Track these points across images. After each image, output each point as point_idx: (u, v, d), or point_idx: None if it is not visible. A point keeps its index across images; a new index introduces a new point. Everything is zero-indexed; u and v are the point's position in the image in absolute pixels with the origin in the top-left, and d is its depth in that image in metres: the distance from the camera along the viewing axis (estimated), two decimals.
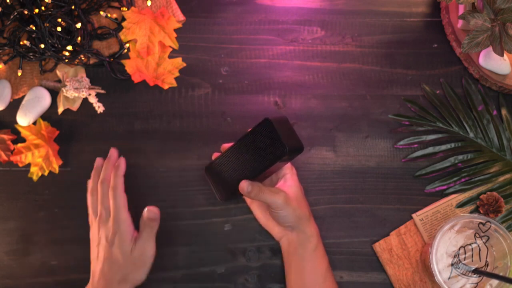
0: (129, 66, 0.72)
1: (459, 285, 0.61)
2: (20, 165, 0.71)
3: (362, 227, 0.70)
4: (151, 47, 0.72)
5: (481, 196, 0.69)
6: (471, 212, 0.69)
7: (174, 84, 0.73)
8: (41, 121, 0.71)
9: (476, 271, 0.60)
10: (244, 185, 0.59)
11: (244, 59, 0.74)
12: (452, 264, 0.61)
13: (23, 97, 0.73)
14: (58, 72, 0.73)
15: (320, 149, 0.72)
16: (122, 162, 0.67)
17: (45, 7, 0.71)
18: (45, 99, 0.71)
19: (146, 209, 0.64)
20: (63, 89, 0.71)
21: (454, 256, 0.61)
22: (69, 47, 0.71)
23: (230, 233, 0.70)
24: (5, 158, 0.70)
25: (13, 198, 0.71)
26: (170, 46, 0.74)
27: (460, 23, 0.72)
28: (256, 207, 0.68)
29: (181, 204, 0.70)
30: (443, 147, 0.71)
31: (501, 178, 0.70)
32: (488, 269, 0.61)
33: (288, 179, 0.64)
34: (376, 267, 0.69)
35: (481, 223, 0.61)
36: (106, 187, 0.65)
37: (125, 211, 0.63)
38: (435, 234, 0.61)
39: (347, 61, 0.74)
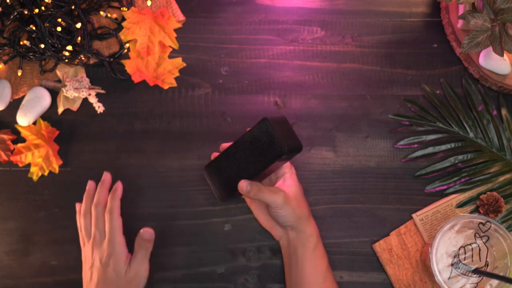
0: (129, 66, 0.72)
1: (459, 285, 0.61)
2: (20, 165, 0.71)
3: (362, 227, 0.70)
4: (151, 47, 0.72)
5: (481, 196, 0.69)
6: (471, 212, 0.69)
7: (174, 84, 0.73)
8: (41, 121, 0.71)
9: (476, 271, 0.60)
10: (243, 185, 0.59)
11: (244, 59, 0.74)
12: (452, 264, 0.61)
13: (23, 97, 0.73)
14: (58, 72, 0.73)
15: (320, 149, 0.72)
16: (119, 186, 0.67)
17: (45, 7, 0.71)
18: (45, 99, 0.71)
19: (142, 231, 0.65)
20: (63, 89, 0.71)
21: (454, 256, 0.61)
22: (69, 47, 0.71)
23: (230, 233, 0.70)
24: (5, 158, 0.70)
25: (13, 198, 0.71)
26: (170, 46, 0.74)
27: (460, 23, 0.72)
28: (256, 207, 0.68)
29: (181, 204, 0.70)
30: (443, 147, 0.71)
31: (501, 178, 0.70)
32: (488, 269, 0.61)
33: (287, 178, 0.64)
34: (376, 267, 0.69)
35: (481, 223, 0.61)
36: (100, 210, 0.65)
37: (120, 234, 0.64)
38: (435, 234, 0.61)
39: (347, 61, 0.74)
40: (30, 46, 0.71)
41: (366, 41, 0.75)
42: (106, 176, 0.68)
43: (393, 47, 0.75)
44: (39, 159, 0.70)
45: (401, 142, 0.71)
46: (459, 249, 0.61)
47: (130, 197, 0.69)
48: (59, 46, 0.71)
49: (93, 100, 0.72)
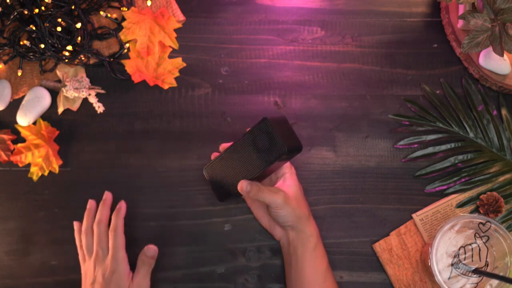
0: (129, 66, 0.72)
1: (459, 285, 0.61)
2: (20, 165, 0.71)
3: (362, 227, 0.70)
4: (151, 47, 0.72)
5: (481, 196, 0.69)
6: (471, 212, 0.69)
7: (174, 84, 0.73)
8: (41, 121, 0.71)
9: (476, 271, 0.60)
10: (243, 185, 0.59)
11: (244, 59, 0.74)
12: (452, 264, 0.61)
13: (23, 97, 0.73)
14: (58, 72, 0.73)
15: (320, 149, 0.72)
16: (123, 205, 0.68)
17: (45, 7, 0.71)
18: (45, 99, 0.71)
19: (145, 248, 0.66)
20: (63, 89, 0.71)
21: (454, 256, 0.61)
22: (69, 47, 0.71)
23: (230, 233, 0.70)
24: (5, 158, 0.70)
25: (13, 198, 0.71)
26: (170, 46, 0.74)
27: (460, 23, 0.72)
28: (256, 207, 0.68)
29: (181, 204, 0.70)
30: (443, 147, 0.71)
31: (501, 178, 0.70)
32: (488, 269, 0.61)
33: (287, 178, 0.64)
34: (376, 267, 0.69)
35: (481, 223, 0.61)
36: (103, 227, 0.66)
37: (123, 250, 0.64)
38: (435, 234, 0.61)
39: (347, 61, 0.74)
40: (30, 46, 0.71)
41: (366, 41, 0.75)
42: (107, 195, 0.69)
43: (393, 47, 0.75)
44: (39, 159, 0.70)
45: (401, 142, 0.71)
46: (459, 249, 0.61)
47: (130, 197, 0.69)
48: (59, 46, 0.71)
49: (93, 100, 0.72)
